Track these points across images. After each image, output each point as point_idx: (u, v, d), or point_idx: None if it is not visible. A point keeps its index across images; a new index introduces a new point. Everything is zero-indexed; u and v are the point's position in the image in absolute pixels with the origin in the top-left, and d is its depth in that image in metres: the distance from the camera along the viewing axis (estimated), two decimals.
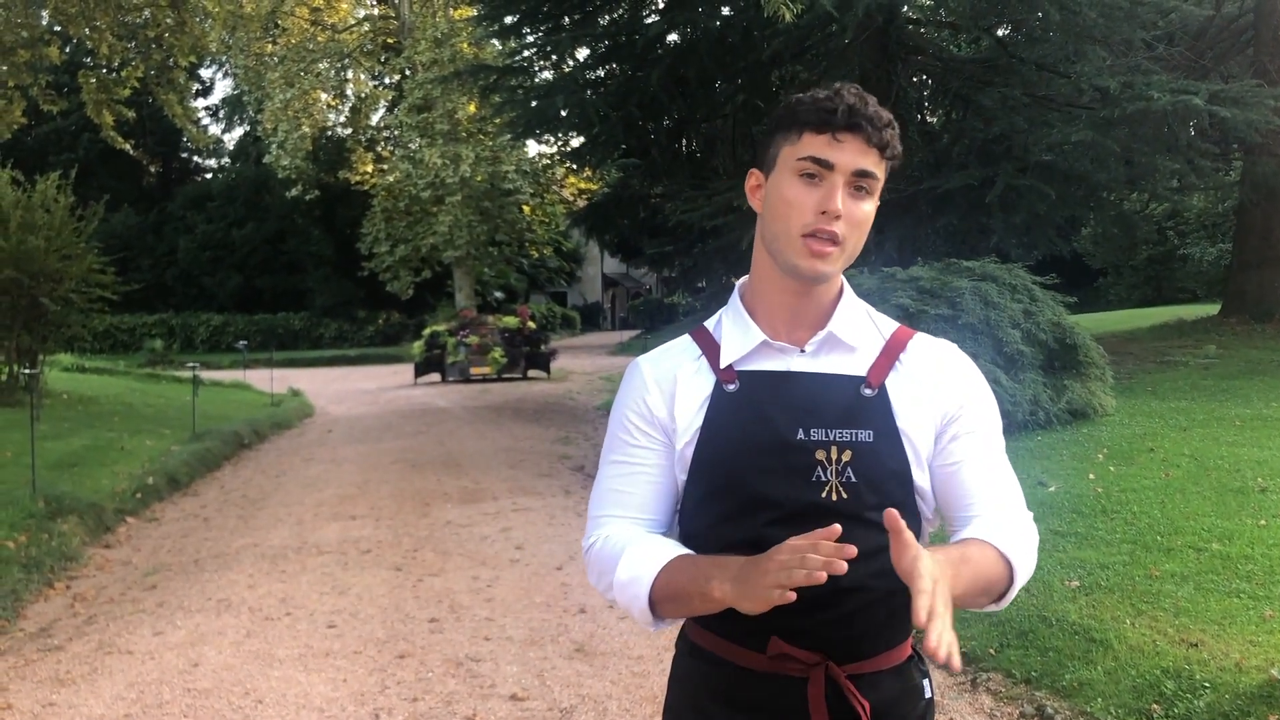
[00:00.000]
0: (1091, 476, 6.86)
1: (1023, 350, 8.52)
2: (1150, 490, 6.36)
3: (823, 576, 1.18)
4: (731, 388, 1.46)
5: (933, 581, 1.16)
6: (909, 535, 1.21)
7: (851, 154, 1.39)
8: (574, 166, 23.27)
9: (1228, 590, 4.51)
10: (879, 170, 1.41)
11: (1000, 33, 14.83)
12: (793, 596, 1.20)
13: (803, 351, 1.48)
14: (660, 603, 1.42)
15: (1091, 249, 35.64)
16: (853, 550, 1.18)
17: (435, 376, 22.75)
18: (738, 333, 1.50)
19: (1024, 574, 1.42)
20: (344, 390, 21.51)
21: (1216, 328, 15.92)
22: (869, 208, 1.43)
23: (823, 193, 1.40)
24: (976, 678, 4.09)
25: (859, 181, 1.40)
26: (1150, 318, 20.95)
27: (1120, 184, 14.16)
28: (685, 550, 1.44)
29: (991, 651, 4.22)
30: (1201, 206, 30.35)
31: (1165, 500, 6.09)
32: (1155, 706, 3.56)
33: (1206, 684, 3.62)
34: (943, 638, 1.12)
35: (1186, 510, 5.84)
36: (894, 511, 1.22)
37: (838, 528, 1.22)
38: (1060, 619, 4.36)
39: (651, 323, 42.75)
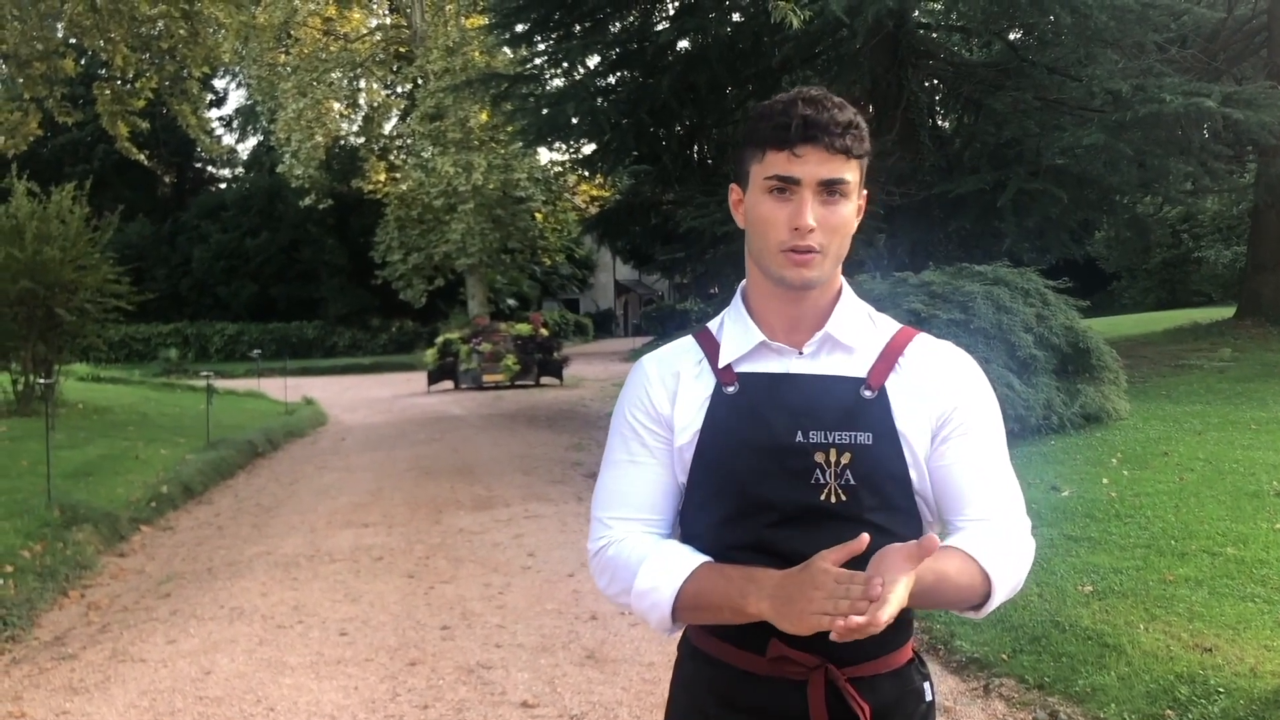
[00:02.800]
0: (1105, 481, 6.83)
1: (1035, 354, 8.48)
2: (1164, 494, 6.33)
3: (862, 619, 1.21)
4: (731, 390, 1.47)
5: (898, 605, 1.21)
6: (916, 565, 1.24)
7: (814, 165, 1.38)
8: (586, 174, 23.24)
9: (1243, 595, 4.48)
10: (848, 172, 1.40)
11: (1011, 36, 14.81)
12: (845, 629, 1.21)
13: (801, 353, 1.48)
14: (683, 611, 1.42)
15: (1105, 253, 35.43)
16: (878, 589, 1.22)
17: (448, 384, 22.78)
18: (738, 332, 1.51)
19: (1005, 587, 1.42)
20: (357, 398, 21.56)
21: (1231, 331, 15.84)
22: (846, 210, 1.42)
23: (793, 208, 1.40)
24: (989, 683, 4.06)
25: (829, 188, 1.40)
26: (1165, 321, 20.84)
27: (1133, 187, 14.10)
28: (705, 558, 1.43)
29: (1004, 657, 4.19)
30: (1216, 209, 30.20)
31: (1180, 504, 6.05)
32: (1169, 712, 3.54)
33: (1221, 689, 3.60)
34: (844, 627, 1.19)
35: (1201, 514, 5.80)
36: (932, 540, 1.25)
37: (866, 537, 1.25)
38: (1073, 624, 4.33)
39: (664, 329, 42.69)
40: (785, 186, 1.40)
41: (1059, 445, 8.20)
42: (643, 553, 1.45)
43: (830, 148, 1.38)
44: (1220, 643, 3.98)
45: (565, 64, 14.92)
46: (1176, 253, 35.07)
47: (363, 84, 33.75)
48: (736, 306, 1.54)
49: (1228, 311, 18.72)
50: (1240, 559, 4.94)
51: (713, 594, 1.38)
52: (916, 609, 1.38)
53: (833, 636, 1.21)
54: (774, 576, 1.31)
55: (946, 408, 1.45)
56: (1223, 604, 4.39)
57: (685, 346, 1.56)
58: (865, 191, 1.48)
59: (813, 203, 1.39)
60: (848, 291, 1.51)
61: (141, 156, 16.43)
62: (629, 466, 1.52)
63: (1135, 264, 36.87)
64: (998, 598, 1.42)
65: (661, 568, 1.42)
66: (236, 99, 67.54)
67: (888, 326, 1.53)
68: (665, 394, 1.51)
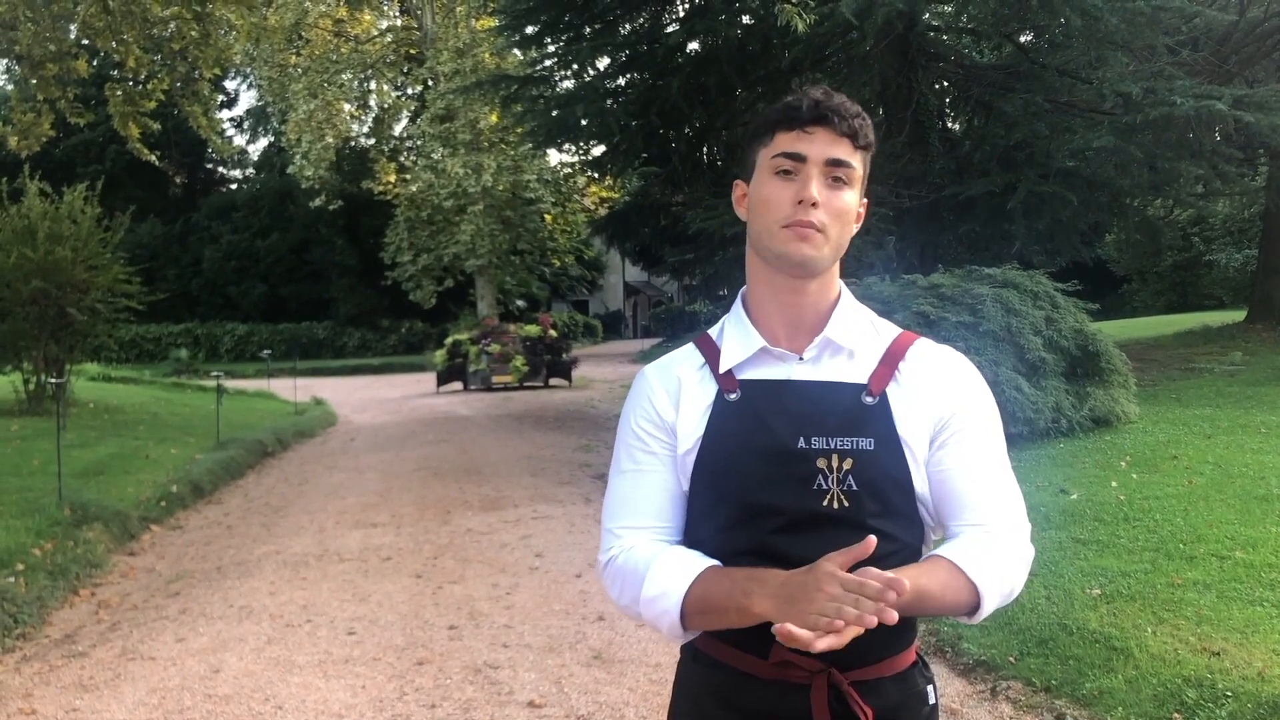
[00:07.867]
0: (1114, 484, 6.81)
1: (1045, 358, 8.47)
2: (1173, 498, 6.31)
3: (873, 621, 1.23)
4: (733, 396, 1.47)
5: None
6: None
7: (822, 145, 1.42)
8: (595, 175, 23.28)
9: (1251, 599, 4.47)
10: (854, 159, 1.44)
11: (1022, 39, 14.77)
12: (845, 639, 1.25)
13: (801, 358, 1.48)
14: (692, 615, 1.42)
15: (1116, 255, 35.37)
16: (895, 596, 1.24)
17: (458, 385, 22.83)
18: (738, 337, 1.51)
19: (995, 596, 1.43)
20: (367, 399, 21.61)
21: (1242, 334, 15.80)
22: (849, 198, 1.44)
23: (798, 185, 1.42)
24: (996, 686, 4.06)
25: (834, 171, 1.42)
26: (1175, 324, 20.79)
27: (1144, 190, 14.07)
28: (712, 561, 1.43)
29: (1011, 660, 4.19)
30: (1227, 212, 30.06)
31: (1188, 508, 6.04)
32: (1177, 715, 3.53)
33: (1229, 693, 3.59)
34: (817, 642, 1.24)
35: (1210, 518, 5.78)
36: (872, 539, 1.28)
37: (873, 540, 1.27)
38: (1081, 627, 4.33)
39: (673, 330, 42.73)
40: (792, 166, 1.43)
41: (1067, 448, 8.18)
42: (649, 559, 1.45)
43: (839, 130, 1.42)
44: (1228, 646, 3.97)
45: (575, 66, 14.92)
46: (1187, 256, 34.95)
47: (373, 85, 33.80)
48: (737, 311, 1.55)
49: (1238, 315, 18.67)
50: (1249, 563, 4.92)
51: (718, 595, 1.38)
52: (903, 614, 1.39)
53: (819, 645, 1.24)
54: (778, 576, 1.32)
55: (945, 413, 1.46)
56: (1231, 608, 4.38)
57: (686, 353, 1.57)
58: (866, 200, 1.50)
59: (818, 183, 1.42)
60: (847, 295, 1.52)
61: (153, 157, 16.47)
62: (636, 476, 1.52)
63: (1146, 267, 36.76)
64: (988, 607, 1.43)
65: (668, 573, 1.42)
66: (247, 100, 67.53)
67: (888, 331, 1.53)
68: (669, 401, 1.51)
